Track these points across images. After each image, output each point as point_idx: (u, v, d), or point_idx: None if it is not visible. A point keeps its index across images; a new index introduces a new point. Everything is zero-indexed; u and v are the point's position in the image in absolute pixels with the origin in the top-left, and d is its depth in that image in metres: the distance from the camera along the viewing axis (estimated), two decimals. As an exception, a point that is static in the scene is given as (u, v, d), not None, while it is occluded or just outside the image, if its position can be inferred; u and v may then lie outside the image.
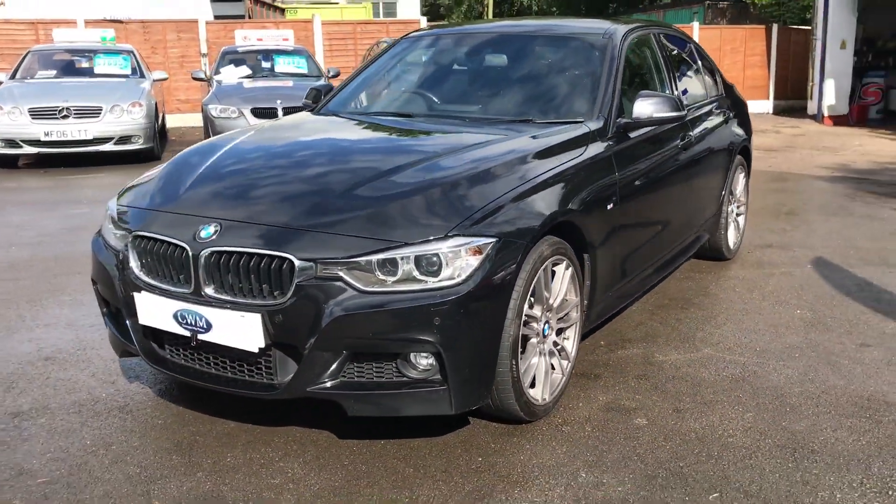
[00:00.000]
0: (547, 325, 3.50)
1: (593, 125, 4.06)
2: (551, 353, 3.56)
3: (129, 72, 12.79)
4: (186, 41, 17.42)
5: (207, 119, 11.73)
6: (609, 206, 3.84)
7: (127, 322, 3.45)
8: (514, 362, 3.21)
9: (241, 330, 3.04)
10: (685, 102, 5.01)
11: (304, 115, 4.90)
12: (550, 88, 4.47)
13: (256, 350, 3.05)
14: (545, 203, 3.38)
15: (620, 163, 4.03)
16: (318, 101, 5.08)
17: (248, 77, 13.23)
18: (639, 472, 3.10)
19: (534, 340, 3.42)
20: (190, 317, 3.14)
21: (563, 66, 4.56)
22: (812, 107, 18.65)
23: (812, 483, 3.02)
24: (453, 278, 2.98)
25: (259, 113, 11.51)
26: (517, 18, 5.81)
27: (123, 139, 11.41)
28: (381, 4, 29.73)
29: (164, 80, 13.67)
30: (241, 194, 3.44)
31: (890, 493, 2.96)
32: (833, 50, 17.87)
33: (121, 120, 11.34)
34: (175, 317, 3.18)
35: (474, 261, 3.00)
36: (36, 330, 4.71)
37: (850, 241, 6.86)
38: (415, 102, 4.72)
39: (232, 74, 13.23)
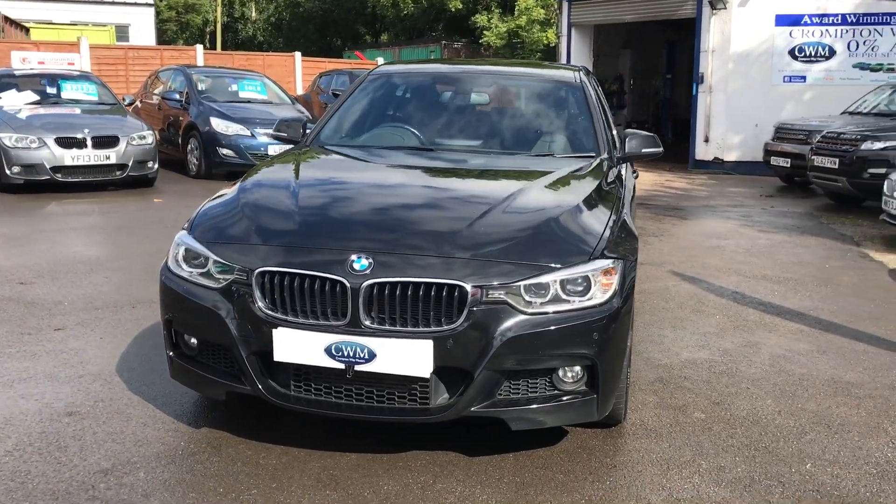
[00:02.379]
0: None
1: (604, 157, 4.61)
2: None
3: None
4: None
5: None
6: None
7: (243, 361, 3.37)
8: (628, 369, 3.63)
9: (410, 357, 3.17)
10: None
11: (319, 150, 4.86)
12: (552, 125, 4.96)
13: (427, 376, 3.19)
14: (629, 223, 3.82)
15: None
16: (294, 134, 5.11)
17: (34, 103, 12.17)
18: (737, 454, 3.63)
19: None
20: (347, 349, 3.20)
21: (554, 104, 5.07)
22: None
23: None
24: (601, 296, 3.34)
25: (64, 143, 10.75)
26: (484, 62, 6.18)
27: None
28: (114, 28, 28.29)
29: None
30: (371, 226, 3.54)
31: None
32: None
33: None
34: (328, 351, 3.21)
35: (613, 280, 3.39)
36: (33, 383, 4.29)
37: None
38: (424, 136, 4.96)
39: (15, 100, 12.10)
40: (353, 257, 3.27)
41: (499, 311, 3.21)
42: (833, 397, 4.35)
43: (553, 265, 3.32)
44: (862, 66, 16.10)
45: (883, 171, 10.92)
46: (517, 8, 27.68)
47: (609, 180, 4.28)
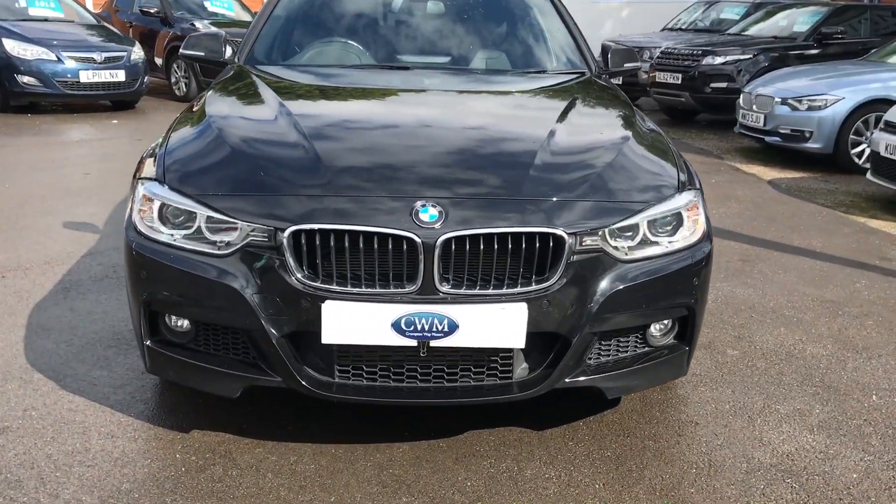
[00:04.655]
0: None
1: (594, 72, 4.14)
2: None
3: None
4: None
5: None
6: None
7: (273, 346, 2.61)
8: (700, 315, 3.22)
9: (500, 326, 2.56)
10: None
11: (274, 72, 3.94)
12: (533, 38, 4.38)
13: (522, 346, 2.60)
14: (673, 146, 3.36)
15: None
16: (214, 52, 4.17)
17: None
18: (803, 394, 3.37)
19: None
20: (422, 322, 2.53)
21: (525, 13, 4.47)
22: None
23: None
24: (694, 235, 2.87)
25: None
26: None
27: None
28: None
29: None
30: (420, 167, 2.84)
31: None
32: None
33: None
34: (396, 326, 2.53)
35: (700, 214, 2.93)
36: None
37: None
38: (389, 50, 4.20)
39: None
40: (419, 206, 2.57)
41: (595, 261, 2.66)
42: (833, 319, 4.22)
43: (643, 201, 2.80)
44: (676, -16, 16.54)
45: (724, 85, 11.26)
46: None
47: (625, 99, 3.79)
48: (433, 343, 2.57)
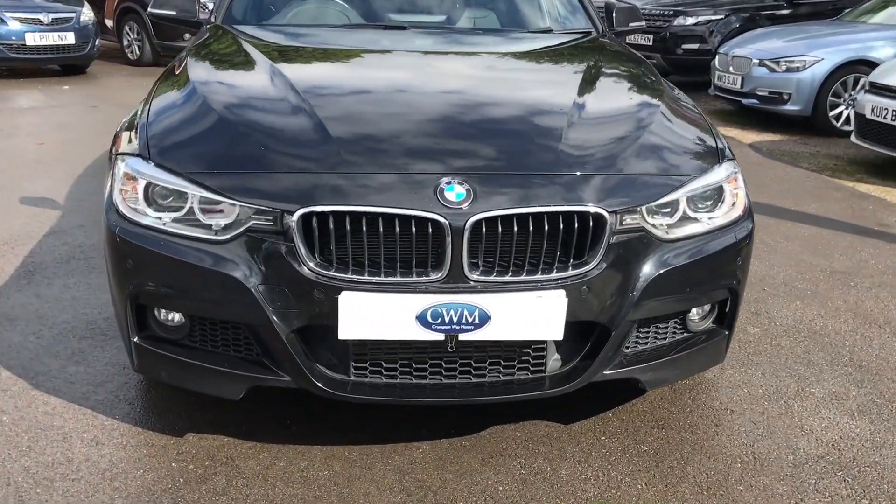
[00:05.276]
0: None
1: (601, 32, 3.88)
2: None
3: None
4: None
5: None
6: None
7: (282, 342, 2.33)
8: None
9: (536, 316, 2.31)
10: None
11: (260, 34, 3.58)
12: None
13: (560, 337, 2.35)
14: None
15: None
16: (187, 10, 3.82)
17: None
18: (835, 375, 3.19)
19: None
20: (450, 313, 2.27)
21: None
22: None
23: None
24: (736, 210, 2.64)
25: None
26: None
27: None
28: None
29: None
30: (440, 139, 2.55)
31: None
32: None
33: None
34: (421, 318, 2.26)
35: (741, 188, 2.70)
36: None
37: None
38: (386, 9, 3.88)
39: None
40: (444, 183, 2.29)
41: (636, 241, 2.41)
42: (847, 291, 4.05)
43: (685, 175, 2.55)
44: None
45: (696, 46, 11.07)
46: None
47: (645, 63, 3.53)
48: (462, 336, 2.31)
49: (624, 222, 2.38)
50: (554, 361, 2.49)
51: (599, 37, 3.80)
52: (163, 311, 2.49)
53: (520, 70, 3.42)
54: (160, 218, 2.40)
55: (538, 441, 2.68)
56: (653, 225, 2.43)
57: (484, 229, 2.26)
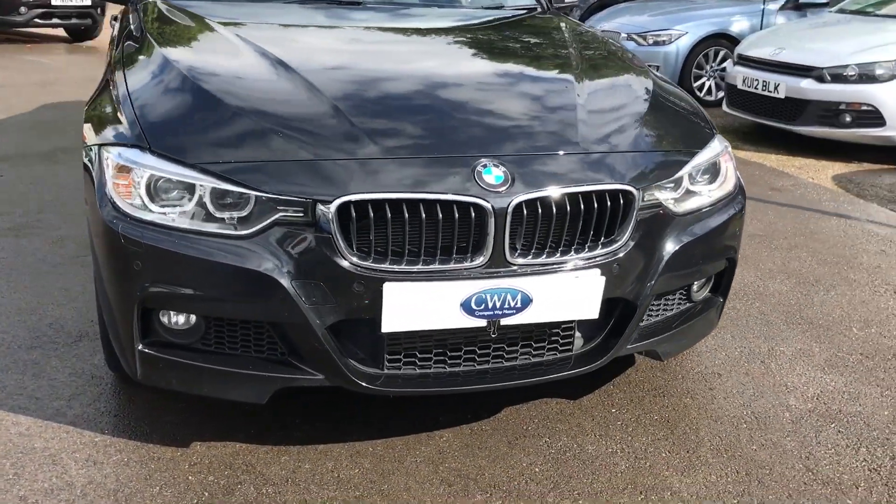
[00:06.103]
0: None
1: (543, 7, 3.94)
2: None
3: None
4: None
5: None
6: None
7: (318, 339, 2.21)
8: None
9: (575, 297, 2.31)
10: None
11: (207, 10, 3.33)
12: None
13: (596, 316, 2.37)
14: None
15: None
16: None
17: None
18: (830, 342, 3.39)
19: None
20: (493, 298, 2.24)
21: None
22: None
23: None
24: (730, 182, 2.74)
25: None
26: None
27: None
28: None
29: None
30: (462, 118, 2.48)
31: None
32: None
33: None
34: (465, 305, 2.21)
35: (732, 162, 2.80)
36: None
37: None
38: None
39: None
40: (481, 166, 2.24)
41: (656, 217, 2.46)
42: (771, 253, 4.30)
43: (691, 150, 2.63)
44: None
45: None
46: None
47: (612, 40, 3.58)
48: (503, 321, 2.27)
49: (645, 199, 2.42)
50: (577, 340, 2.50)
51: (550, 12, 3.83)
52: (171, 314, 2.29)
53: (507, 46, 3.37)
54: (165, 214, 2.21)
55: (554, 419, 2.69)
56: (664, 200, 2.48)
57: (525, 211, 2.23)
